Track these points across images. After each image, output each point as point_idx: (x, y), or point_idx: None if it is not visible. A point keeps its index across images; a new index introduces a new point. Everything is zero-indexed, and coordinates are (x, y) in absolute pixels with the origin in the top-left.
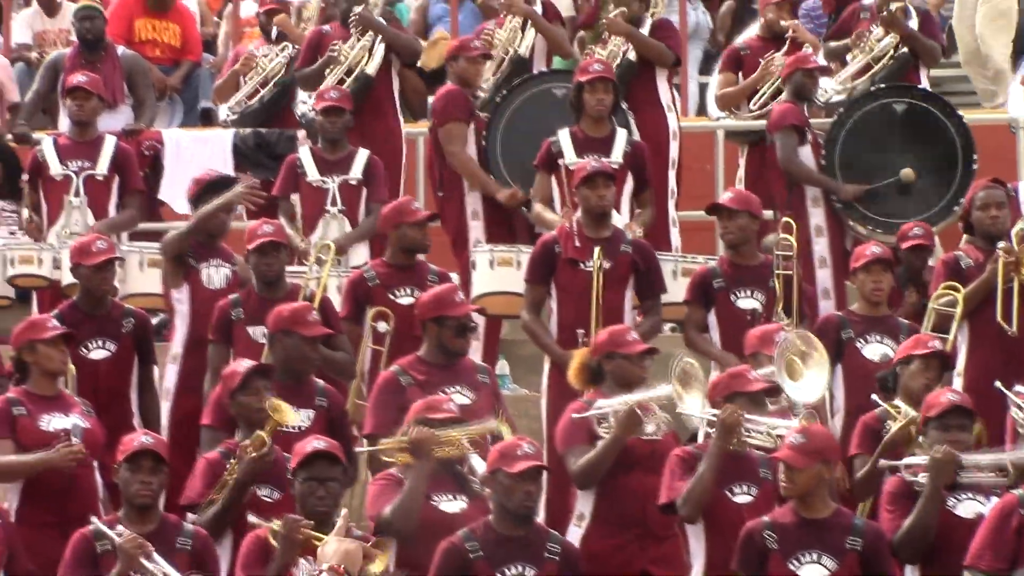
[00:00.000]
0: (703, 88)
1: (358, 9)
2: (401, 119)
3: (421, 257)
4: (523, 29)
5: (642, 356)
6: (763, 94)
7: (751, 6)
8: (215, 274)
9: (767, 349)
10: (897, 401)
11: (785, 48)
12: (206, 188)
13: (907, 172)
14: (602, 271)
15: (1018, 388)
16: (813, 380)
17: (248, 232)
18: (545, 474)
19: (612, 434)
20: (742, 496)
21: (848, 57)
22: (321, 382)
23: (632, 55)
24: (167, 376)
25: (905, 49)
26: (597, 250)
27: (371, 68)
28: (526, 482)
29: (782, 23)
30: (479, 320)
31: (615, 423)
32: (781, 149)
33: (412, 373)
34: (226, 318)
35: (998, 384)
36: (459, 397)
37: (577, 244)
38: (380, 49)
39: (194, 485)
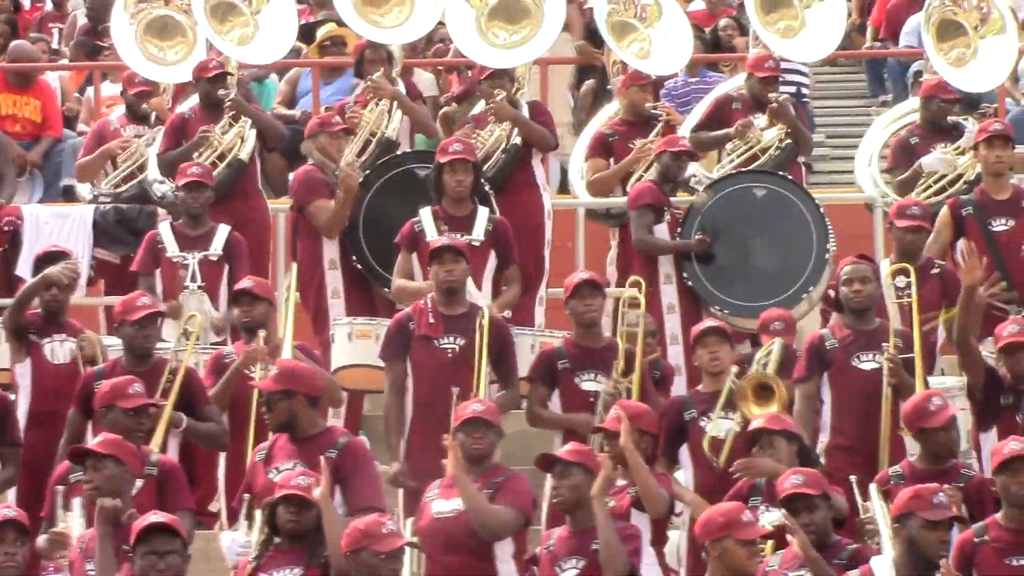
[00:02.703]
0: (562, 166)
1: (232, 94)
2: (266, 199)
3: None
4: (390, 111)
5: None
6: (638, 178)
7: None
8: (59, 348)
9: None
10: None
11: (657, 130)
12: (41, 260)
13: (699, 197)
14: (456, 355)
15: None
16: None
17: (124, 304)
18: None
19: None
20: (570, 570)
21: (729, 147)
22: (156, 454)
23: (517, 140)
24: None
25: (789, 140)
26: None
27: (244, 154)
28: (394, 560)
29: (646, 105)
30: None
31: None
32: (634, 228)
33: (268, 448)
34: (89, 389)
35: (852, 478)
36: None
37: (431, 321)
38: (252, 135)
39: None
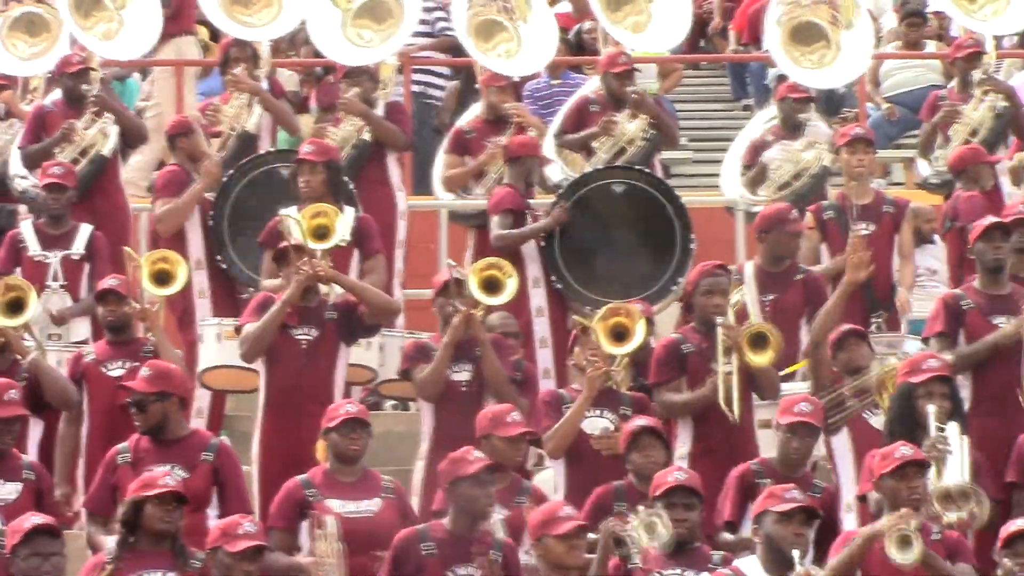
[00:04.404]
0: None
1: (94, 89)
2: (126, 194)
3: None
4: (250, 105)
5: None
6: (490, 178)
7: (475, 86)
8: None
9: (499, 431)
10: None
11: (510, 131)
12: None
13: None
14: (310, 344)
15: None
16: None
17: None
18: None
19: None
20: None
21: (595, 144)
22: (27, 457)
23: (367, 136)
24: None
25: (654, 131)
26: None
27: (106, 150)
28: (245, 562)
29: (505, 106)
30: (204, 394)
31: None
32: (493, 230)
33: (132, 450)
34: None
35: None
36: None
37: (287, 311)
38: (114, 131)
39: None
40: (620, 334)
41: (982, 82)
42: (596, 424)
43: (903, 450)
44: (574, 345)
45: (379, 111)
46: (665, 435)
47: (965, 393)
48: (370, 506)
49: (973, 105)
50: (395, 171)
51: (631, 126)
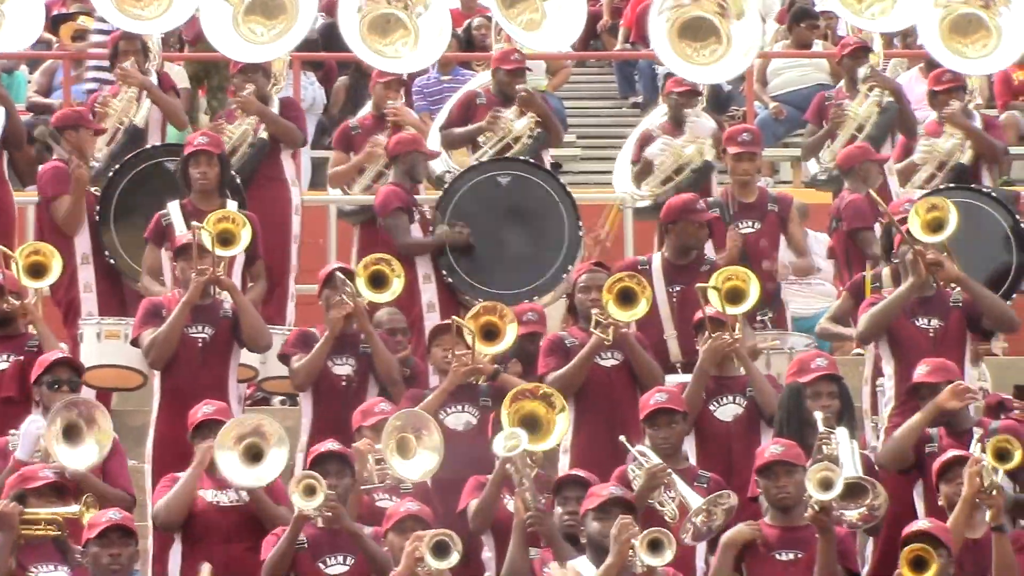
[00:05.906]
0: (315, 162)
1: None
2: (11, 188)
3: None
4: (139, 99)
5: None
6: (369, 175)
7: (366, 82)
8: None
9: (367, 422)
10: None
11: (388, 129)
12: None
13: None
14: (206, 343)
15: (640, 447)
16: (424, 459)
17: None
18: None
19: None
20: (336, 567)
21: (481, 139)
22: None
23: (264, 133)
24: None
25: (540, 129)
26: None
27: None
28: (107, 545)
29: (388, 103)
30: (88, 392)
31: None
32: (394, 234)
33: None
34: None
35: (623, 438)
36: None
37: None
38: None
39: None
40: (491, 333)
41: (868, 78)
42: (459, 419)
43: (772, 449)
44: (431, 345)
45: (274, 107)
46: None
47: (890, 393)
48: (243, 495)
49: (859, 101)
50: (289, 167)
51: (518, 123)
